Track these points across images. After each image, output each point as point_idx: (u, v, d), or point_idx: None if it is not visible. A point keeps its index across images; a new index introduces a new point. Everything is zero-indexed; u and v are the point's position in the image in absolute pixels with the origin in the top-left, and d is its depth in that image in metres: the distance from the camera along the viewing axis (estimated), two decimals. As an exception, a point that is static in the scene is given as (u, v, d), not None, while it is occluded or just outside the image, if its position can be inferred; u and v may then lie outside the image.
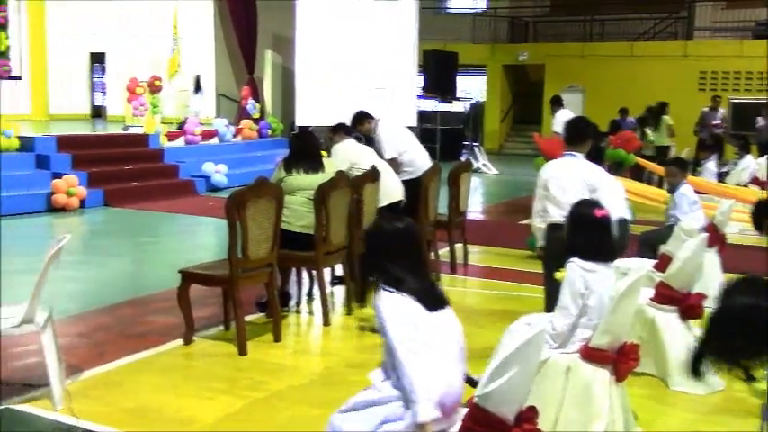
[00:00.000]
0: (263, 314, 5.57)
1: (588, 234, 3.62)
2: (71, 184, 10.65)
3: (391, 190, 6.58)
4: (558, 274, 3.69)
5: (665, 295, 4.64)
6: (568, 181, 4.63)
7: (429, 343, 2.69)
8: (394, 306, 2.72)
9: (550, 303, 4.28)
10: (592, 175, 4.73)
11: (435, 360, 2.68)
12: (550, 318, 3.63)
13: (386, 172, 6.55)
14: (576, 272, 3.55)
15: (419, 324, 2.71)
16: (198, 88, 17.59)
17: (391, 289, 2.75)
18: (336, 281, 6.47)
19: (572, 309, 3.53)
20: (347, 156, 6.43)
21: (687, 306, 4.60)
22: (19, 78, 18.23)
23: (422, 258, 2.98)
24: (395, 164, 6.88)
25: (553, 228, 4.54)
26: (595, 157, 4.94)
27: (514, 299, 6.21)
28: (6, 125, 11.17)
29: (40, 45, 18.88)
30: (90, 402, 3.99)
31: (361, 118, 7.19)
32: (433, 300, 2.80)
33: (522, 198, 13.32)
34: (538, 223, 4.82)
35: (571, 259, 3.59)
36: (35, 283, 3.81)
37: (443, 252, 7.10)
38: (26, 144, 11.38)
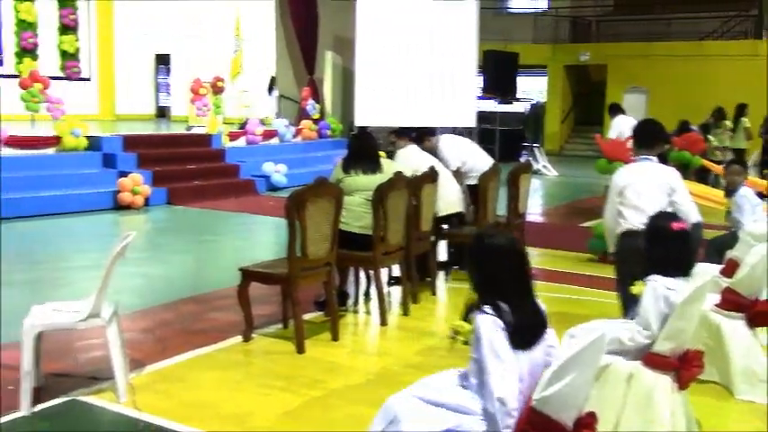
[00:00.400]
0: (321, 313, 5.61)
1: (666, 247, 3.55)
2: (136, 183, 10.92)
3: (451, 201, 6.62)
4: (635, 288, 3.59)
5: (731, 301, 4.51)
6: (646, 186, 4.55)
7: (517, 369, 2.67)
8: (493, 328, 2.68)
9: (625, 310, 4.22)
10: (668, 178, 4.63)
11: (519, 385, 2.66)
12: (628, 327, 3.54)
13: (447, 182, 6.57)
14: (659, 290, 3.46)
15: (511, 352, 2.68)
16: (272, 88, 17.83)
17: (491, 312, 2.70)
18: (393, 281, 6.47)
19: (654, 326, 3.44)
20: (409, 162, 6.43)
21: (755, 313, 4.46)
22: (87, 80, 18.82)
23: (527, 279, 2.85)
24: (459, 174, 6.92)
25: (628, 235, 4.46)
26: (660, 159, 4.84)
27: (573, 302, 6.12)
28: (75, 125, 11.51)
29: (108, 47, 19.40)
30: (152, 396, 4.08)
31: (422, 136, 7.18)
32: (531, 333, 2.75)
33: (582, 200, 13.13)
34: (611, 229, 4.75)
35: (654, 277, 3.49)
36: (101, 278, 3.91)
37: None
38: (94, 143, 11.70)
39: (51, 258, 7.87)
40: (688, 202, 4.54)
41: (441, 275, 6.85)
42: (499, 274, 2.78)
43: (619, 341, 3.48)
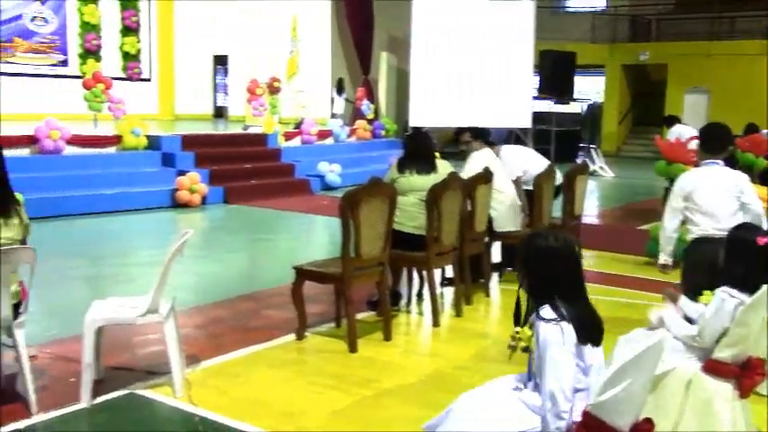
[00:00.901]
0: (373, 313, 5.62)
1: (749, 263, 3.32)
2: (194, 182, 11.12)
3: (509, 217, 6.56)
4: (703, 298, 3.46)
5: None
6: (715, 190, 4.45)
7: (581, 370, 2.66)
8: (556, 330, 2.65)
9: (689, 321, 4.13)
10: (736, 181, 4.51)
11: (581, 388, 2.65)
12: (692, 331, 3.44)
13: (504, 197, 6.52)
14: (727, 304, 3.31)
15: (575, 353, 2.66)
16: (340, 90, 17.95)
17: (552, 317, 2.67)
18: (446, 282, 6.45)
19: (708, 340, 3.34)
20: (484, 166, 6.39)
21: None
22: (148, 80, 19.23)
23: (581, 281, 2.80)
24: (518, 183, 6.84)
25: (700, 241, 4.35)
26: (727, 162, 4.71)
27: (629, 306, 6.01)
28: (136, 124, 11.78)
29: (168, 48, 19.79)
30: (207, 391, 4.15)
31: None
32: (591, 332, 2.72)
33: (639, 202, 12.89)
34: (670, 234, 4.65)
35: (725, 289, 3.36)
36: (160, 275, 3.99)
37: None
38: (153, 142, 11.96)
39: (112, 254, 8.07)
40: (759, 206, 4.42)
41: (494, 277, 6.81)
42: (553, 275, 2.74)
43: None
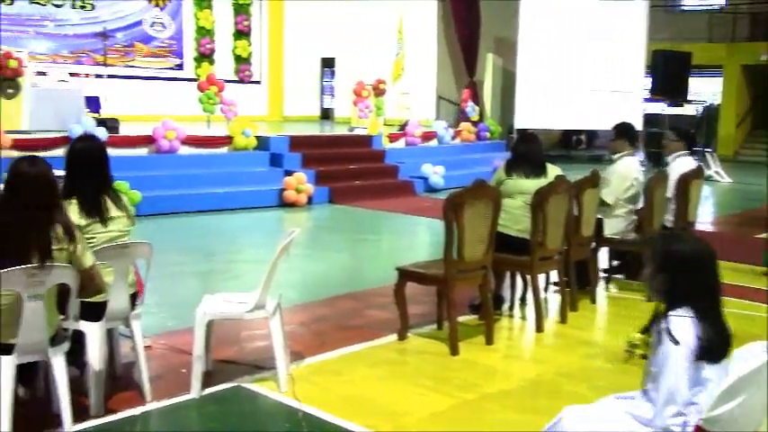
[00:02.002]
0: (475, 316, 5.58)
1: None
2: (301, 182, 11.36)
3: (620, 229, 6.38)
4: None
5: None
6: None
7: (699, 384, 2.57)
8: (681, 342, 2.56)
9: None
10: None
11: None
12: None
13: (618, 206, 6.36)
14: None
15: (696, 366, 2.58)
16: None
17: (680, 326, 2.58)
18: (558, 285, 6.26)
19: None
20: (631, 173, 6.27)
21: None
22: (258, 82, 19.80)
23: (717, 292, 2.68)
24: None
25: None
26: None
27: (745, 318, 5.72)
28: (246, 125, 12.15)
29: (278, 52, 20.30)
30: (311, 387, 4.23)
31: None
32: (724, 346, 2.62)
33: (758, 209, 12.26)
34: None
35: None
36: (267, 272, 4.10)
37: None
38: (262, 143, 12.30)
39: (222, 251, 8.35)
40: None
41: (601, 283, 6.64)
42: (689, 282, 2.63)
43: None
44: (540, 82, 16.49)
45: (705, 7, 23.74)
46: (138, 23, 17.47)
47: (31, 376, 3.84)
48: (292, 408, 3.96)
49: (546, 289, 6.33)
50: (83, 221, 3.82)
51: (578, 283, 6.00)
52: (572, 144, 20.70)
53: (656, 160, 15.47)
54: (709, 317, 2.58)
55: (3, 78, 10.62)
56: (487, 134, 17.04)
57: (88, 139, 4.15)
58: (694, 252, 2.67)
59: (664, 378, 2.54)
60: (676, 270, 2.65)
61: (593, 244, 6.34)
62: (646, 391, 2.70)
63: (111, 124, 11.23)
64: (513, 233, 5.45)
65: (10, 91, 10.71)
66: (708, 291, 2.64)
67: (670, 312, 2.62)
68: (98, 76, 13.86)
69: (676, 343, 2.54)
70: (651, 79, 17.92)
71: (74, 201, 3.84)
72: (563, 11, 16.42)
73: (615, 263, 7.00)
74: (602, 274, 6.70)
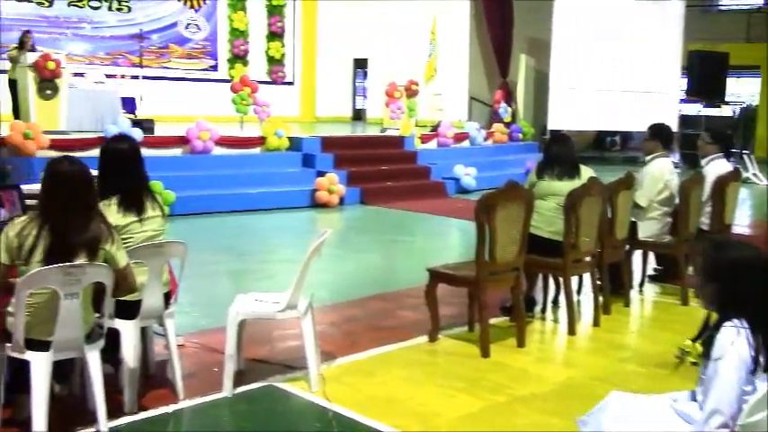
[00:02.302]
0: (506, 318, 5.55)
1: None
2: (332, 182, 11.40)
3: (653, 231, 6.30)
4: None
5: None
6: None
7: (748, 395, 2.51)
8: (733, 352, 2.48)
9: None
10: None
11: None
12: None
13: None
14: None
15: (747, 379, 2.50)
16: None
17: (733, 335, 2.50)
18: (600, 286, 6.14)
19: None
20: (665, 175, 6.18)
21: None
22: (291, 83, 19.92)
23: None
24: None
25: None
26: None
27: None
28: (279, 126, 12.22)
29: (311, 53, 20.41)
30: (341, 388, 4.24)
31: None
32: None
33: (797, 213, 12.03)
34: None
35: None
36: (299, 272, 4.12)
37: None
38: (295, 144, 12.37)
39: (255, 251, 8.42)
40: None
41: (636, 287, 6.56)
42: (743, 291, 2.53)
43: None
44: (573, 82, 16.36)
45: (742, 7, 23.34)
46: (174, 25, 17.69)
47: (66, 373, 3.91)
48: (323, 408, 3.98)
49: (578, 291, 6.27)
50: (121, 221, 3.87)
51: (612, 286, 5.93)
52: (606, 145, 20.51)
53: (692, 162, 15.26)
54: (761, 330, 2.48)
55: (41, 80, 10.82)
56: (520, 135, 16.95)
57: (124, 139, 4.21)
58: (746, 259, 2.57)
59: (714, 389, 2.46)
60: (728, 279, 2.57)
61: (627, 246, 6.26)
62: (694, 393, 2.65)
63: (146, 125, 11.39)
64: (545, 235, 5.42)
65: (48, 92, 10.90)
66: (763, 300, 2.52)
67: (723, 323, 2.53)
68: (134, 77, 14.05)
69: (729, 355, 2.47)
70: (687, 80, 17.67)
71: (113, 200, 3.89)
72: (598, 10, 16.26)
73: (658, 267, 6.91)
74: (637, 278, 6.62)
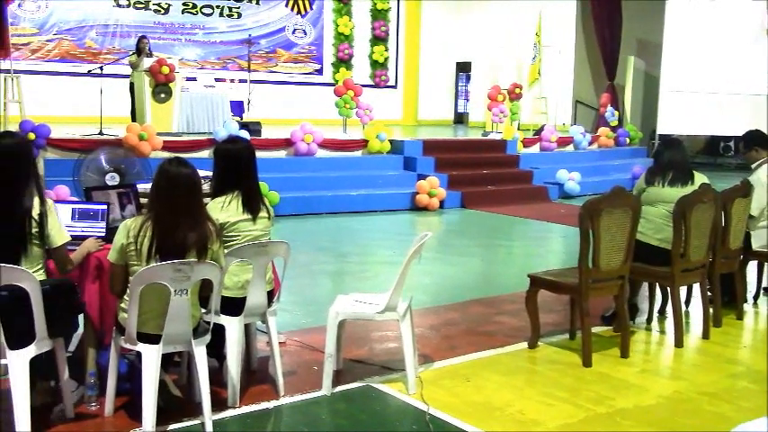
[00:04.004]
0: (609, 327, 5.40)
1: None
2: (433, 186, 11.40)
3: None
4: None
5: None
6: None
7: None
8: None
9: None
10: None
11: None
12: None
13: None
14: None
15: None
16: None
17: None
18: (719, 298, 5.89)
19: None
20: None
21: None
22: (393, 87, 20.07)
23: None
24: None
25: None
26: None
27: None
28: (381, 129, 12.33)
29: (414, 56, 20.51)
30: (439, 391, 4.22)
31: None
32: None
33: None
34: None
35: None
36: (398, 274, 4.14)
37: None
38: (396, 147, 12.45)
39: (355, 252, 8.52)
40: None
41: (750, 299, 6.26)
42: None
43: None
44: (685, 85, 15.77)
45: None
46: (281, 30, 18.15)
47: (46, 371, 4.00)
48: (420, 410, 3.98)
49: (687, 302, 6.03)
50: (233, 217, 4.01)
51: (724, 298, 5.67)
52: (719, 151, 19.66)
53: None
54: None
55: (156, 84, 11.32)
56: (627, 140, 16.47)
57: (241, 140, 4.35)
58: None
59: None
60: None
61: (741, 257, 5.97)
62: None
63: (253, 127, 11.72)
64: (653, 242, 5.24)
65: (162, 96, 11.39)
66: None
67: None
68: (242, 81, 14.48)
69: None
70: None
71: (229, 197, 4.04)
72: (712, 11, 15.62)
73: None
74: (751, 291, 6.31)
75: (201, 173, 3.87)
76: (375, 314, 4.19)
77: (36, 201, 3.57)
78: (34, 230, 3.54)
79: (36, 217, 3.53)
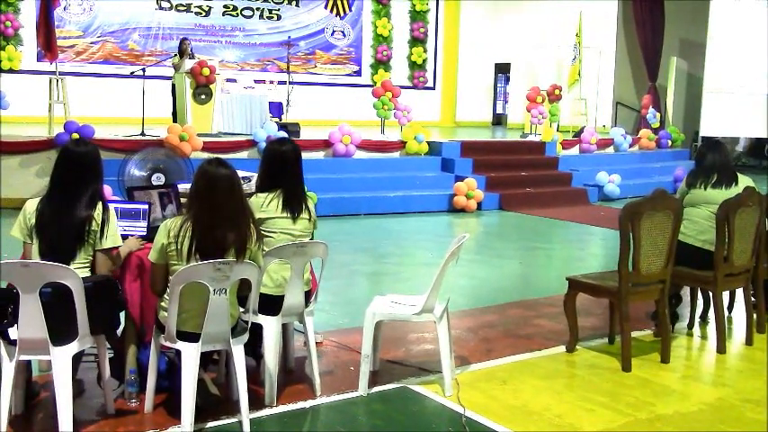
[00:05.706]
0: (650, 332, 5.32)
1: None
2: (471, 188, 11.36)
3: None
4: None
5: None
6: None
7: None
8: None
9: None
10: None
11: None
12: None
13: None
14: None
15: None
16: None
17: None
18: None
19: None
20: None
21: None
22: (432, 88, 20.04)
23: None
24: None
25: None
26: None
27: None
28: (419, 131, 12.32)
29: (452, 58, 20.45)
30: (476, 394, 4.21)
31: None
32: None
33: None
34: None
35: None
36: (435, 276, 4.13)
37: None
38: (434, 148, 12.43)
39: (393, 253, 8.52)
40: None
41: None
42: None
43: None
44: (729, 86, 15.48)
45: None
46: (320, 32, 18.24)
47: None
48: (456, 412, 3.96)
49: (730, 308, 5.92)
50: (274, 213, 4.07)
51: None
52: (764, 153, 19.27)
53: None
54: None
55: (197, 85, 11.46)
56: (669, 142, 16.22)
57: (289, 142, 4.39)
58: None
59: None
60: None
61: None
62: None
63: (292, 128, 11.79)
64: (697, 244, 5.16)
65: (203, 97, 11.53)
66: None
67: None
68: (281, 82, 14.59)
69: None
70: None
71: (273, 194, 4.11)
72: (758, 10, 15.31)
73: None
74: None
75: (241, 173, 3.90)
76: (412, 315, 4.19)
77: (99, 206, 3.71)
78: (93, 233, 3.66)
79: (98, 221, 3.68)
